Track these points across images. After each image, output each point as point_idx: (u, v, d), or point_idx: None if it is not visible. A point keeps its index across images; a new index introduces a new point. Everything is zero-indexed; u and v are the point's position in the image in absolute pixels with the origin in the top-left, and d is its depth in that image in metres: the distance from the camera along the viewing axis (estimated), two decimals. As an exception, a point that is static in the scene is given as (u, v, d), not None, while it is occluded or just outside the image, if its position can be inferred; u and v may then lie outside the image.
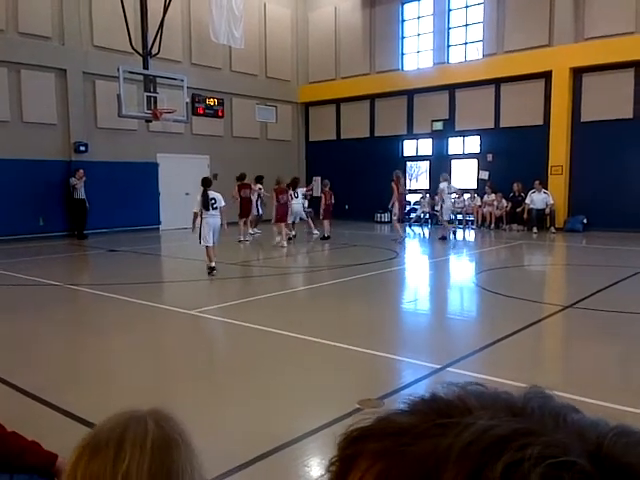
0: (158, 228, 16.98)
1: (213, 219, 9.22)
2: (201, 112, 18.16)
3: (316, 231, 14.89)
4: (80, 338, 5.86)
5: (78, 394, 4.11)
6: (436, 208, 18.10)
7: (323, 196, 14.86)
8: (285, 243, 13.27)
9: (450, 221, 15.26)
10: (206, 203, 9.11)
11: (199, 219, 9.17)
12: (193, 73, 16.94)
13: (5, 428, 1.68)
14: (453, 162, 18.94)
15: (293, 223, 14.50)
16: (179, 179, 17.43)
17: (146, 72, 14.23)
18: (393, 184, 13.85)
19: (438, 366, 4.59)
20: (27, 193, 14.60)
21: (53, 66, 15.05)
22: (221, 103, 18.85)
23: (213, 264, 9.15)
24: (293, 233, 14.55)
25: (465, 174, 18.76)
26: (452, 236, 14.83)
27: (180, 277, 9.85)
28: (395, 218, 14.13)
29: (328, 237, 14.43)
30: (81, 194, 14.99)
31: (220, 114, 18.92)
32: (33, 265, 10.50)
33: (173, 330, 6.20)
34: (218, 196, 9.27)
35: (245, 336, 5.71)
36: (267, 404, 3.90)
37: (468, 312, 7.23)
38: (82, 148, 15.50)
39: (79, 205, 15.00)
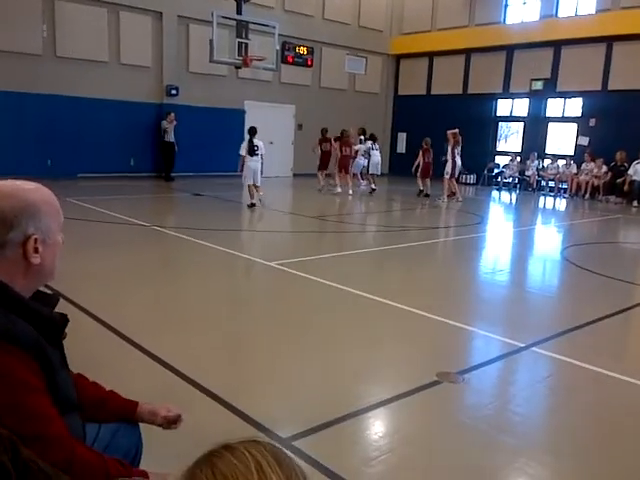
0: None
1: (254, 163, 10.79)
2: (290, 61, 17.93)
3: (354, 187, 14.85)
4: (162, 280, 6.07)
5: (161, 337, 4.25)
6: (527, 173, 17.24)
7: (421, 154, 14.85)
8: (350, 190, 14.18)
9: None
10: (251, 149, 10.74)
11: (243, 162, 10.84)
12: (285, 20, 16.69)
13: (86, 378, 1.70)
14: (550, 125, 17.80)
15: (373, 175, 15.05)
16: (265, 127, 17.35)
17: (239, 17, 14.13)
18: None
19: (522, 344, 4.36)
20: (120, 133, 15.16)
21: (150, 9, 15.28)
22: (311, 52, 18.51)
23: (254, 200, 10.95)
24: (373, 186, 14.89)
25: (562, 139, 17.61)
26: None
27: (260, 227, 9.97)
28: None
29: (427, 195, 14.73)
30: (171, 137, 15.38)
31: (309, 63, 18.61)
32: (123, 204, 10.95)
33: (252, 281, 6.29)
34: (260, 144, 10.85)
35: (322, 293, 5.68)
36: (342, 367, 3.86)
37: (554, 288, 6.84)
38: (173, 92, 15.81)
39: (168, 148, 15.42)
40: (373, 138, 15.38)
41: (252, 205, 11.01)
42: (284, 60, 17.26)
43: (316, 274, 6.20)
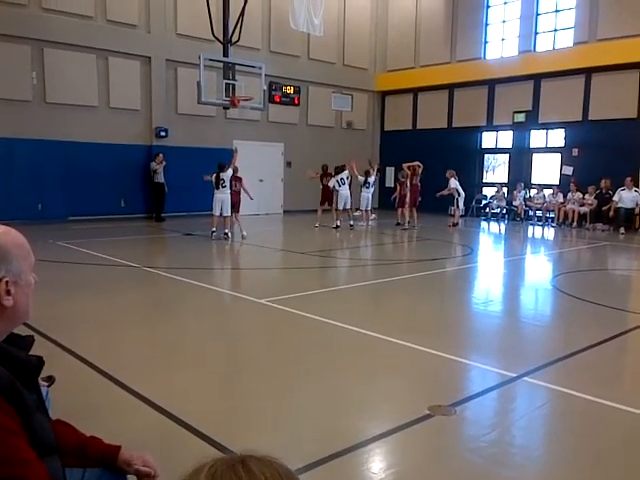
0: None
1: (221, 195, 11.96)
2: (277, 100, 18.27)
3: (351, 221, 14.97)
4: (154, 321, 6.04)
5: (153, 378, 4.20)
6: (514, 203, 17.45)
7: (398, 187, 15.56)
8: (335, 224, 14.49)
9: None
10: (217, 183, 11.88)
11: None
12: (271, 61, 17.06)
13: (66, 423, 1.68)
14: (534, 156, 18.13)
15: (345, 209, 15.07)
16: (254, 165, 17.66)
17: (226, 60, 14.44)
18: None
19: (513, 374, 4.36)
20: (110, 175, 15.26)
21: (139, 53, 15.58)
22: (297, 91, 18.89)
23: (214, 229, 12.04)
24: (347, 221, 14.93)
25: (547, 169, 17.91)
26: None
27: (251, 264, 9.98)
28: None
29: (398, 224, 15.46)
30: (160, 178, 15.49)
31: (296, 102, 18.97)
32: (114, 246, 10.95)
33: (244, 318, 6.27)
34: (227, 176, 11.91)
35: (313, 329, 5.67)
36: (332, 402, 3.84)
37: (545, 316, 6.86)
38: (162, 133, 16.01)
39: (158, 188, 15.52)
40: (366, 172, 15.39)
41: (212, 233, 12.02)
42: (271, 99, 17.59)
43: (306, 310, 6.20)
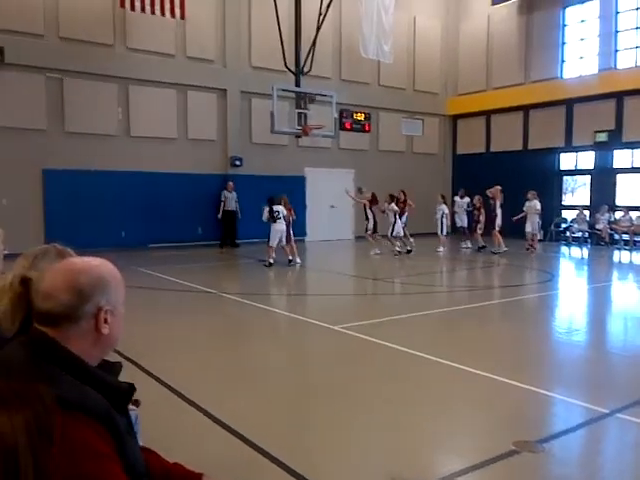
0: (304, 239, 17.48)
1: (279, 226, 11.99)
2: (348, 127, 18.38)
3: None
4: (228, 346, 6.13)
5: (230, 406, 4.25)
6: (597, 226, 16.61)
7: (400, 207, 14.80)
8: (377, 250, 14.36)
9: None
10: (272, 216, 11.96)
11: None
12: (342, 89, 17.28)
13: (150, 450, 1.70)
14: (619, 176, 17.23)
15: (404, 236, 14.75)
16: (325, 192, 17.85)
17: (298, 89, 14.77)
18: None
19: (605, 410, 4.07)
20: (188, 204, 15.84)
21: (215, 87, 16.24)
22: (368, 117, 18.94)
23: (271, 260, 12.02)
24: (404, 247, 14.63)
25: (633, 190, 16.96)
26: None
27: (324, 290, 9.99)
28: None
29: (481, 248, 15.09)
30: (230, 205, 15.87)
31: (367, 129, 19.01)
32: (192, 272, 11.31)
33: (315, 345, 6.25)
34: (280, 208, 12.04)
35: (385, 357, 5.56)
36: (414, 435, 3.71)
37: (636, 348, 6.40)
38: (237, 162, 16.50)
39: (230, 216, 15.91)
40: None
41: (269, 264, 11.97)
42: (342, 127, 17.73)
43: (381, 337, 6.09)
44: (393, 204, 14.57)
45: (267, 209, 12.05)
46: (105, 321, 1.38)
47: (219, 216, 15.78)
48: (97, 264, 1.42)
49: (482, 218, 15.30)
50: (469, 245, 15.99)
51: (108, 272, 1.42)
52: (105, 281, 1.39)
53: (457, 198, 16.92)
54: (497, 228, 14.88)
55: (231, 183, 15.91)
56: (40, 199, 13.88)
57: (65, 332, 1.33)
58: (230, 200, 15.89)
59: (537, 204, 14.97)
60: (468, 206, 16.24)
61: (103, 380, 1.36)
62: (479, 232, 15.34)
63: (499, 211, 14.95)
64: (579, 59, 17.89)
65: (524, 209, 15.06)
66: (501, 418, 4.03)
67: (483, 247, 15.08)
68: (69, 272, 1.37)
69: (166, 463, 1.71)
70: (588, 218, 17.05)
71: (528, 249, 14.70)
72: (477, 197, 15.57)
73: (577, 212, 17.40)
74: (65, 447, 1.23)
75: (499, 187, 15.19)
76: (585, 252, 15.85)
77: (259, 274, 11.57)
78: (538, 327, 7.09)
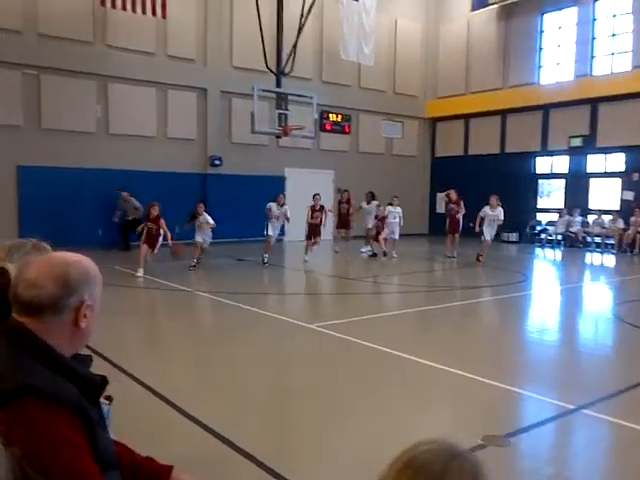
0: (282, 239, 17.49)
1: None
2: (328, 128, 18.52)
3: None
4: (205, 346, 6.15)
5: (205, 404, 4.28)
6: (571, 229, 16.92)
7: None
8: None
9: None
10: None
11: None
12: (322, 90, 17.35)
13: (121, 443, 1.73)
14: (592, 180, 17.59)
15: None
16: (305, 192, 17.82)
17: (278, 90, 14.81)
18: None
19: (571, 406, 4.19)
20: (168, 203, 15.71)
21: (196, 86, 16.19)
22: (348, 119, 19.11)
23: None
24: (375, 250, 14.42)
25: (606, 194, 17.33)
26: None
27: (300, 289, 10.04)
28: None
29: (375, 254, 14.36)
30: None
31: (347, 130, 19.17)
32: (169, 271, 11.26)
33: (293, 343, 6.30)
34: (285, 208, 13.00)
35: (361, 355, 5.64)
36: (386, 431, 3.79)
37: (605, 347, 6.58)
38: (217, 162, 16.47)
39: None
40: (373, 196, 15.06)
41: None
42: (322, 128, 17.83)
43: (357, 336, 6.17)
44: (373, 204, 14.68)
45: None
46: (85, 316, 1.40)
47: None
48: (84, 259, 1.45)
49: (459, 216, 14.45)
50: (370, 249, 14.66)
51: (93, 268, 1.45)
52: (90, 276, 1.42)
53: (364, 203, 15.35)
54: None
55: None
56: (14, 196, 13.70)
57: (44, 323, 1.35)
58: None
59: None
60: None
61: (77, 372, 1.39)
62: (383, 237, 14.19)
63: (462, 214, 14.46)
64: (556, 65, 18.23)
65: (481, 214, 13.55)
66: (471, 413, 4.13)
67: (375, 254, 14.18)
68: (58, 263, 1.40)
69: (137, 456, 1.73)
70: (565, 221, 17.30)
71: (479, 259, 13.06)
72: (452, 191, 14.85)
73: (558, 215, 17.52)
74: (38, 435, 1.27)
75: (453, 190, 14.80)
76: (559, 254, 16.14)
77: (237, 273, 11.57)
78: (510, 326, 7.24)
